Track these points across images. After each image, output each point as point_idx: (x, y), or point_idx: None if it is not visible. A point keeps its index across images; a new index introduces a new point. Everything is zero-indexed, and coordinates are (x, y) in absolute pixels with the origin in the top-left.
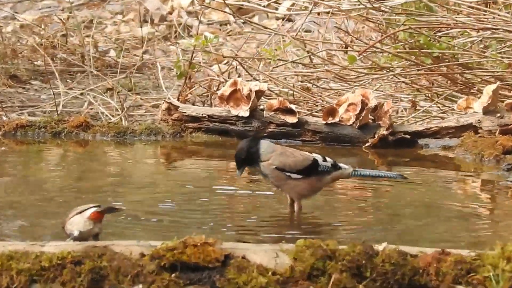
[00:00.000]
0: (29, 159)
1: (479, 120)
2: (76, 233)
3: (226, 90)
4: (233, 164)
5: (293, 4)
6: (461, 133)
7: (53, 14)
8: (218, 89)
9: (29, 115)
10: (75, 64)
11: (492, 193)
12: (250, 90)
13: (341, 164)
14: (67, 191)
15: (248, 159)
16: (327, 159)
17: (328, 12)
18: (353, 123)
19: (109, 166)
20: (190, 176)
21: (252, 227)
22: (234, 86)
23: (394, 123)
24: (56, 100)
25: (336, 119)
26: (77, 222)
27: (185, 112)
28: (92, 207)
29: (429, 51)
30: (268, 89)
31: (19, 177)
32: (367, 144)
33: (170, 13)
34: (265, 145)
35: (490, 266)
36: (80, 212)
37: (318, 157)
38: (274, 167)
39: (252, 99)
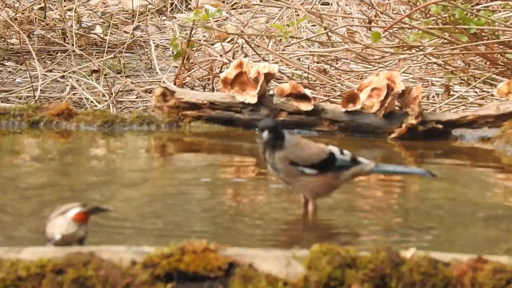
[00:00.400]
0: (3, 153)
1: None
2: (58, 237)
3: (230, 72)
4: (238, 157)
5: None
6: (501, 123)
7: None
8: (221, 72)
9: (2, 102)
10: (55, 42)
11: None
12: (258, 73)
13: (361, 159)
14: (47, 189)
15: (276, 135)
16: (345, 152)
17: None
18: (377, 110)
19: (95, 160)
20: (189, 172)
21: (260, 230)
22: (240, 68)
23: (424, 111)
24: (34, 84)
25: (358, 106)
26: (59, 224)
27: (182, 98)
28: (76, 207)
29: (465, 27)
30: (279, 72)
31: None
32: (393, 135)
33: None
34: (288, 138)
35: None
36: (62, 213)
37: (335, 150)
38: (288, 162)
39: (260, 83)
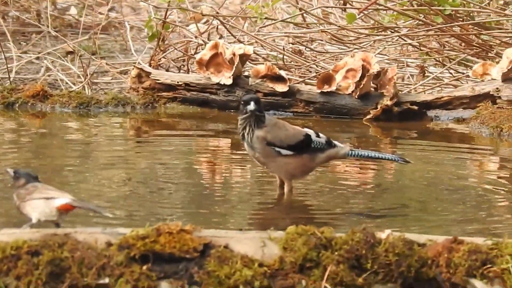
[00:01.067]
0: None
1: (497, 88)
2: (34, 221)
3: (205, 54)
4: (213, 139)
5: None
6: (476, 104)
7: None
8: (196, 53)
9: None
10: (30, 24)
11: None
12: (234, 54)
13: (336, 142)
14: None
15: (260, 110)
16: (321, 135)
17: None
18: (352, 92)
19: (71, 142)
20: (164, 153)
21: (236, 211)
22: (215, 50)
23: (400, 92)
24: (8, 66)
25: (333, 88)
26: (41, 208)
27: (158, 80)
28: (66, 198)
29: (440, 8)
30: (254, 53)
31: None
32: (368, 116)
33: None
34: (267, 116)
35: (509, 257)
36: (47, 198)
37: (311, 132)
38: (266, 142)
39: (235, 65)
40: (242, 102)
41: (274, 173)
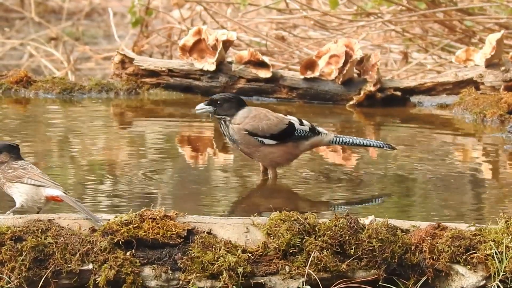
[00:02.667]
0: None
1: (480, 74)
2: (18, 206)
3: (188, 40)
4: (197, 125)
5: None
6: (459, 89)
7: None
8: (179, 39)
9: None
10: (13, 10)
11: (495, 158)
12: (217, 40)
13: (320, 129)
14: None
15: (221, 107)
16: (305, 122)
17: None
18: (336, 77)
19: (54, 128)
20: (148, 139)
21: (219, 197)
22: (198, 35)
23: (383, 78)
24: None
25: (316, 73)
26: (29, 195)
27: (141, 66)
28: (58, 189)
29: None
30: (238, 39)
31: None
32: (351, 102)
33: None
34: (245, 110)
35: (492, 243)
36: (37, 186)
37: (294, 120)
38: (246, 132)
39: (218, 51)
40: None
41: (258, 161)
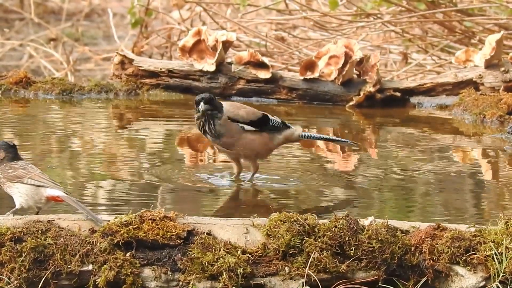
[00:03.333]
0: None
1: (480, 75)
2: (18, 207)
3: (188, 40)
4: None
5: None
6: (459, 90)
7: None
8: (179, 40)
9: None
10: (13, 11)
11: (495, 159)
12: (216, 41)
13: (289, 124)
14: None
15: (214, 105)
16: (275, 117)
17: None
18: (335, 78)
19: (53, 128)
20: (147, 140)
21: (218, 199)
22: (198, 36)
23: (382, 79)
24: None
25: (316, 74)
26: (30, 196)
27: (141, 66)
28: (59, 190)
29: None
30: (237, 40)
31: None
32: (351, 103)
33: None
34: (224, 104)
35: (492, 244)
36: (38, 186)
37: (266, 113)
38: (227, 116)
39: (218, 51)
40: (195, 102)
41: (239, 155)
